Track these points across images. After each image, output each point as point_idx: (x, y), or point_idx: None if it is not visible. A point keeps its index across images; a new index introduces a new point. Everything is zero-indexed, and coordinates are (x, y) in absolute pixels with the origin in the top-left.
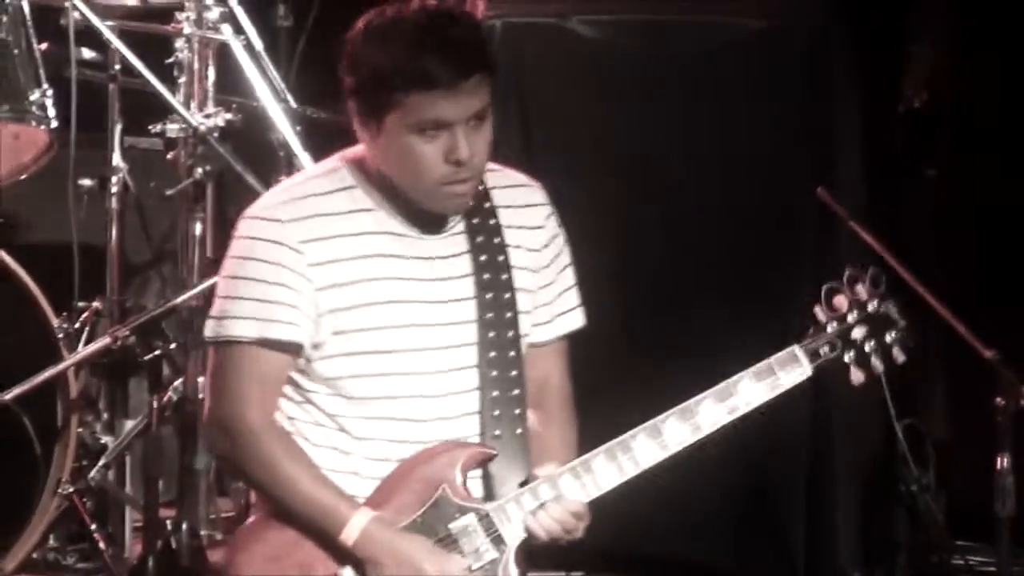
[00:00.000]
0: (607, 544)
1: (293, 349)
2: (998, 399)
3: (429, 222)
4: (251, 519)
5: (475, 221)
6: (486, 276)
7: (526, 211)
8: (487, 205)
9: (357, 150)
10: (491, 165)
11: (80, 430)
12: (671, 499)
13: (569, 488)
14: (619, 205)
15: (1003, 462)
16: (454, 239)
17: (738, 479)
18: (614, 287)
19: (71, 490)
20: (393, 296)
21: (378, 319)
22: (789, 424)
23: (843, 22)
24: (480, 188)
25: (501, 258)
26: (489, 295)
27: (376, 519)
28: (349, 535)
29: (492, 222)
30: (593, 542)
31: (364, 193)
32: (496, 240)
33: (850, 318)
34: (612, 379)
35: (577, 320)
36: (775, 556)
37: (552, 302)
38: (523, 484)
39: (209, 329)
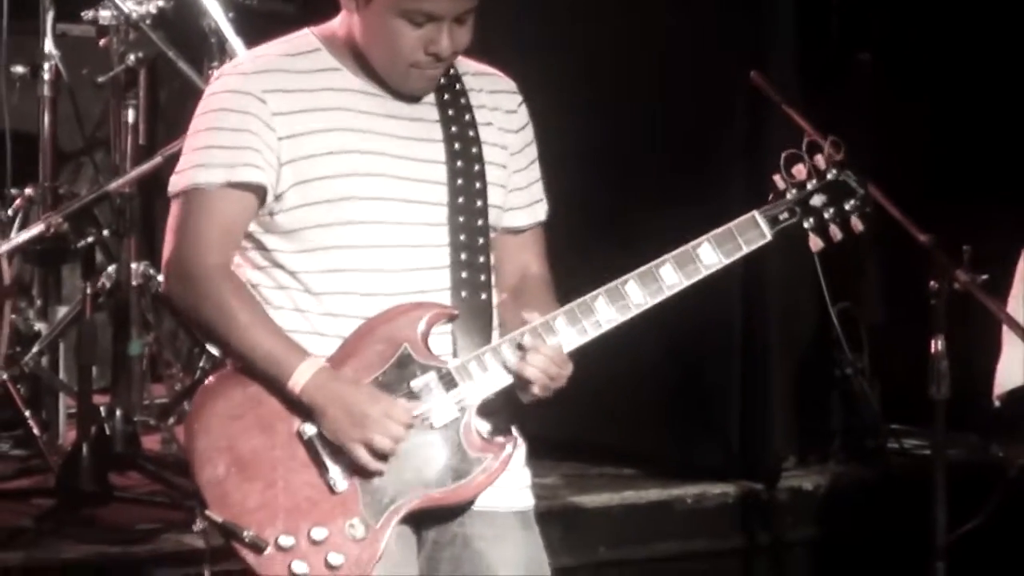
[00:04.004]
0: (544, 431)
1: (257, 192)
2: (932, 282)
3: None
4: (214, 375)
5: (446, 97)
6: (457, 145)
7: (498, 96)
8: (458, 86)
9: (326, 25)
10: (459, 57)
11: (14, 317)
12: (605, 385)
13: None
14: (554, 92)
15: (937, 345)
16: (424, 107)
17: (672, 366)
18: (553, 175)
19: (5, 376)
20: (357, 146)
21: (340, 167)
22: (722, 309)
23: None
24: (451, 71)
25: (472, 132)
26: (460, 163)
27: (324, 368)
28: (296, 383)
29: (463, 100)
30: (531, 430)
31: (331, 55)
32: (467, 116)
33: (809, 185)
34: (559, 266)
35: (544, 212)
36: (710, 441)
37: (528, 187)
38: None
39: (172, 184)
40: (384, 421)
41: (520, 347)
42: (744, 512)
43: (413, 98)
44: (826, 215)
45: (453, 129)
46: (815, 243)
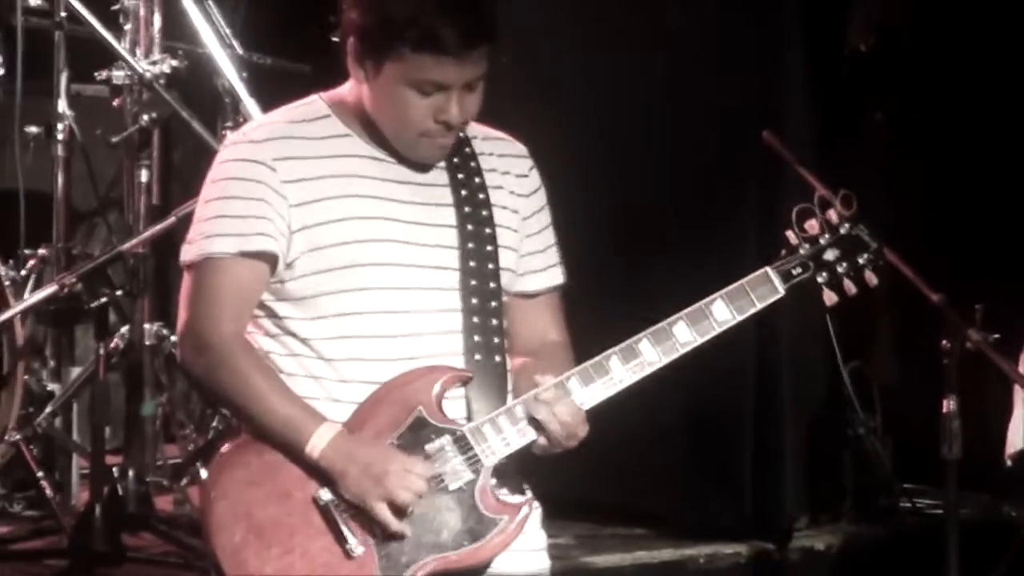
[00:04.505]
0: (556, 492)
1: (269, 260)
2: (944, 342)
3: None
4: (231, 443)
5: (456, 160)
6: (467, 209)
7: (509, 160)
8: (468, 150)
9: (335, 90)
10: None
11: (27, 377)
12: (617, 445)
13: None
14: (567, 155)
15: (949, 405)
16: (434, 172)
17: (684, 425)
18: (565, 236)
19: (18, 437)
20: (368, 212)
21: (351, 233)
22: (735, 369)
23: None
24: (461, 135)
25: (482, 195)
26: (471, 226)
27: (341, 432)
28: (314, 447)
29: (473, 164)
30: (543, 490)
31: (340, 122)
32: (477, 180)
33: (822, 240)
34: (572, 325)
35: (561, 275)
36: (722, 500)
37: (544, 251)
38: None
39: (185, 253)
40: (404, 476)
41: (536, 402)
42: (756, 572)
43: (423, 164)
44: (840, 269)
45: (463, 193)
46: (829, 298)
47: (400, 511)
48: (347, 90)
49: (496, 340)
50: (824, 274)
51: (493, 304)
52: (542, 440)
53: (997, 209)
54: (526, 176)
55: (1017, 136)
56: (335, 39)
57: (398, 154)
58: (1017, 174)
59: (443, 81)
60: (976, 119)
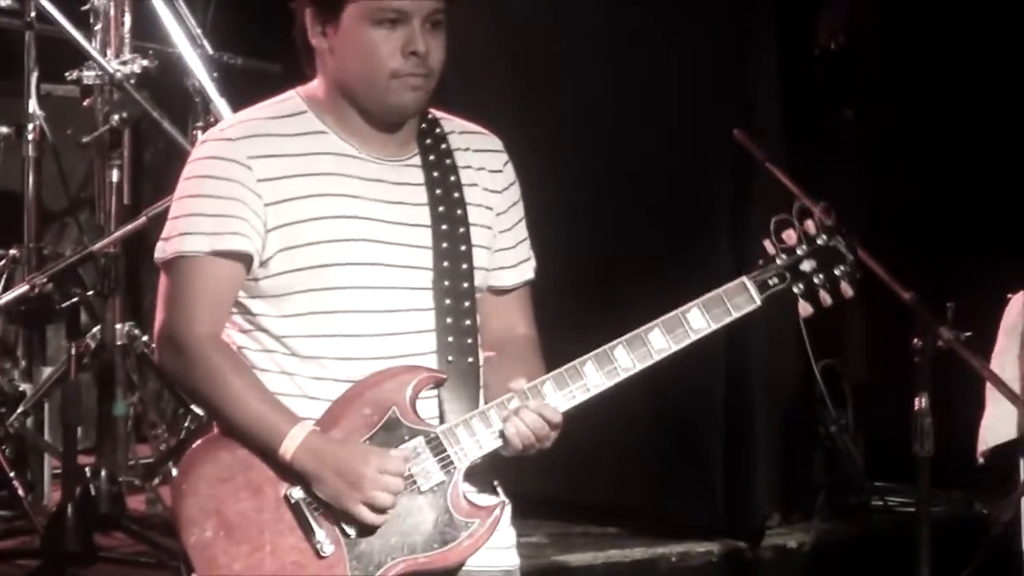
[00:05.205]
0: (529, 490)
1: (244, 260)
2: (915, 339)
3: (384, 148)
4: (203, 438)
5: (431, 157)
6: (441, 208)
7: (484, 155)
8: (443, 146)
9: (310, 85)
10: (446, 115)
11: None
12: (589, 443)
13: None
14: (540, 153)
15: (921, 402)
16: (410, 170)
17: (656, 423)
18: (538, 234)
19: None
20: (342, 211)
21: (325, 233)
22: (707, 367)
23: None
24: (437, 131)
25: (457, 194)
26: (444, 226)
27: (315, 432)
28: (287, 448)
29: (448, 161)
30: (515, 488)
31: (316, 118)
32: (452, 177)
33: (799, 251)
34: (545, 326)
35: (532, 271)
36: (696, 498)
37: (515, 247)
38: None
39: (159, 250)
40: (380, 478)
41: (508, 410)
42: (728, 570)
43: (398, 161)
44: (816, 280)
45: (438, 192)
46: (804, 308)
47: (379, 510)
48: (317, 85)
49: (469, 341)
50: (800, 285)
51: (466, 304)
52: (516, 446)
53: (968, 205)
54: (500, 171)
55: (986, 132)
56: (295, 36)
57: (374, 151)
58: (987, 170)
59: (401, 7)
60: (945, 115)
